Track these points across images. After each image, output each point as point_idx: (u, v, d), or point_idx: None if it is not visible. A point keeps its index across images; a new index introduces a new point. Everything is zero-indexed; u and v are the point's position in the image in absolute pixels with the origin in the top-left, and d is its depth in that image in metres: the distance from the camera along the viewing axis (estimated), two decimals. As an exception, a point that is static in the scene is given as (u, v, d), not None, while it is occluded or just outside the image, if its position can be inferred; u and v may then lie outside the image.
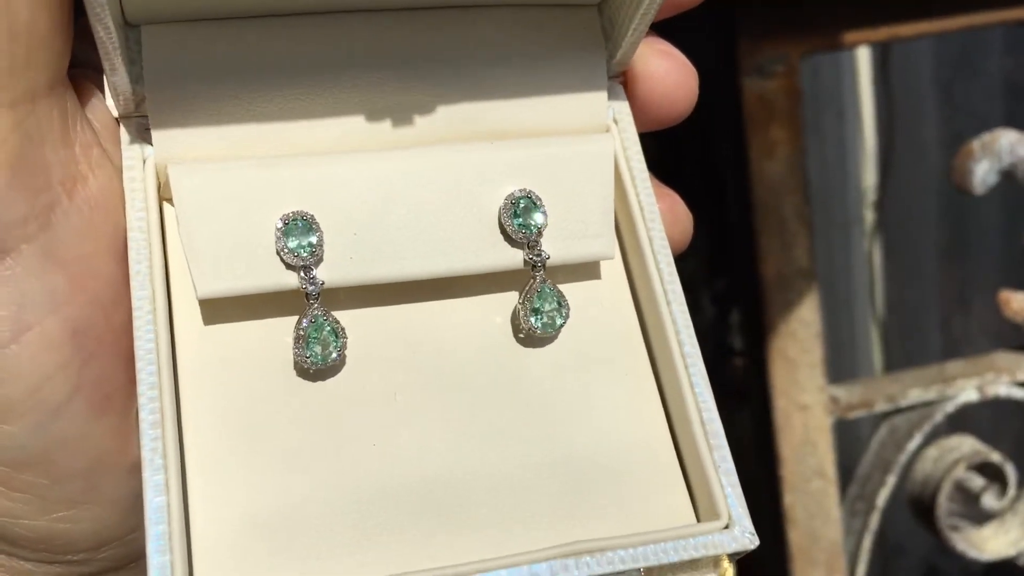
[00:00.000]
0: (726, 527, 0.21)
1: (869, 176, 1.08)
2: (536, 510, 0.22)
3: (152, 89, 0.21)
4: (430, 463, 0.22)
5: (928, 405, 0.64)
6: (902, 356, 1.10)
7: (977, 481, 0.66)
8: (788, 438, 0.62)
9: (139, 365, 0.20)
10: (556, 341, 0.23)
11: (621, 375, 0.24)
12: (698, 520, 0.23)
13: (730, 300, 0.75)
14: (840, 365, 1.01)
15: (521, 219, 0.23)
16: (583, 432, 0.23)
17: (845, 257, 1.09)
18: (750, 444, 0.67)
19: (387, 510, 0.21)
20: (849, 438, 0.77)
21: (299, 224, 0.21)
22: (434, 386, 0.22)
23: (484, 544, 0.21)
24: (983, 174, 0.62)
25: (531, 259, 0.23)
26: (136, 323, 0.20)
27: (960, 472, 0.65)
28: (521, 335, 0.23)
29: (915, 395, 0.64)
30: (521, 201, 0.23)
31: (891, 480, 0.65)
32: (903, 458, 0.64)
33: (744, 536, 0.21)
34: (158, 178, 0.22)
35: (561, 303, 0.23)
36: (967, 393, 0.64)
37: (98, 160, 0.21)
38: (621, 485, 0.22)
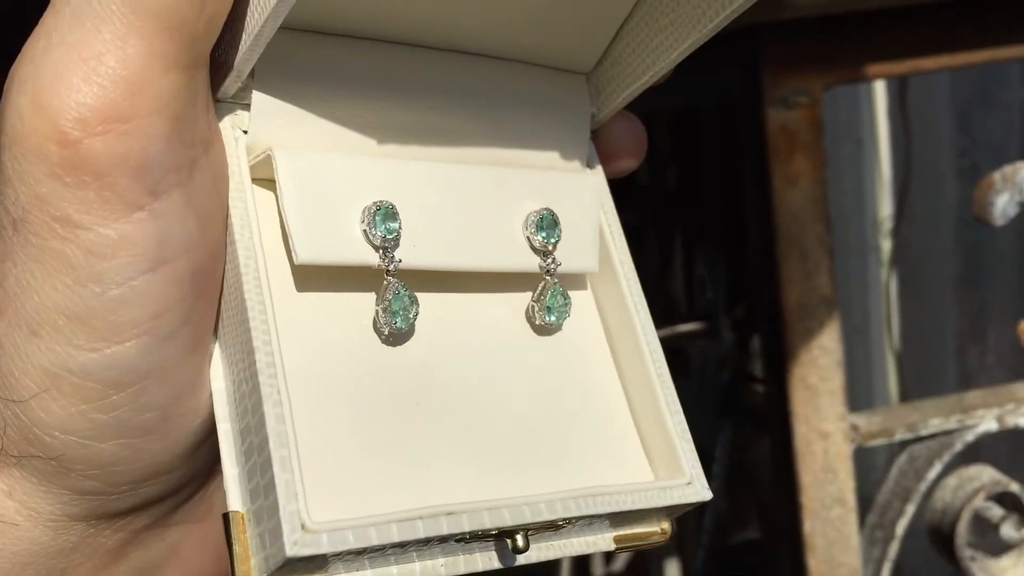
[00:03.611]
0: (688, 483, 0.26)
1: (886, 205, 1.08)
2: (538, 459, 0.26)
3: (260, 81, 0.24)
4: (462, 408, 0.26)
5: (948, 434, 0.65)
6: (918, 385, 1.10)
7: (996, 511, 0.66)
8: (808, 465, 0.62)
9: (251, 314, 0.23)
10: (555, 329, 0.29)
11: (594, 361, 0.29)
12: (655, 475, 0.28)
13: (750, 327, 0.76)
14: (856, 393, 1.01)
15: (545, 232, 0.28)
16: (566, 405, 0.28)
17: (861, 286, 1.10)
18: (770, 471, 0.67)
19: (432, 436, 0.25)
20: (865, 466, 0.77)
21: (385, 211, 0.25)
22: (467, 353, 0.27)
23: (500, 478, 0.25)
24: (1003, 205, 0.63)
25: (545, 265, 0.28)
26: (245, 276, 0.23)
27: (979, 502, 0.65)
28: (534, 324, 0.28)
29: (935, 424, 0.64)
30: (546, 218, 0.28)
31: (910, 509, 0.65)
32: (922, 487, 0.64)
33: (703, 490, 0.26)
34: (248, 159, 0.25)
35: (567, 301, 0.28)
36: (987, 423, 0.65)
37: (219, 130, 0.24)
38: (594, 447, 0.27)
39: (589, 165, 0.30)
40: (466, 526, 0.23)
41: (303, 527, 0.21)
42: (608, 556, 1.07)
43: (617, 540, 0.27)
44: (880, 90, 1.05)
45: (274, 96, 0.25)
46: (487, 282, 0.28)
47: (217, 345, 0.25)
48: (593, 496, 0.25)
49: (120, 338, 0.22)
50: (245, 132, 0.25)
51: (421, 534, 0.22)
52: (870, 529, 0.66)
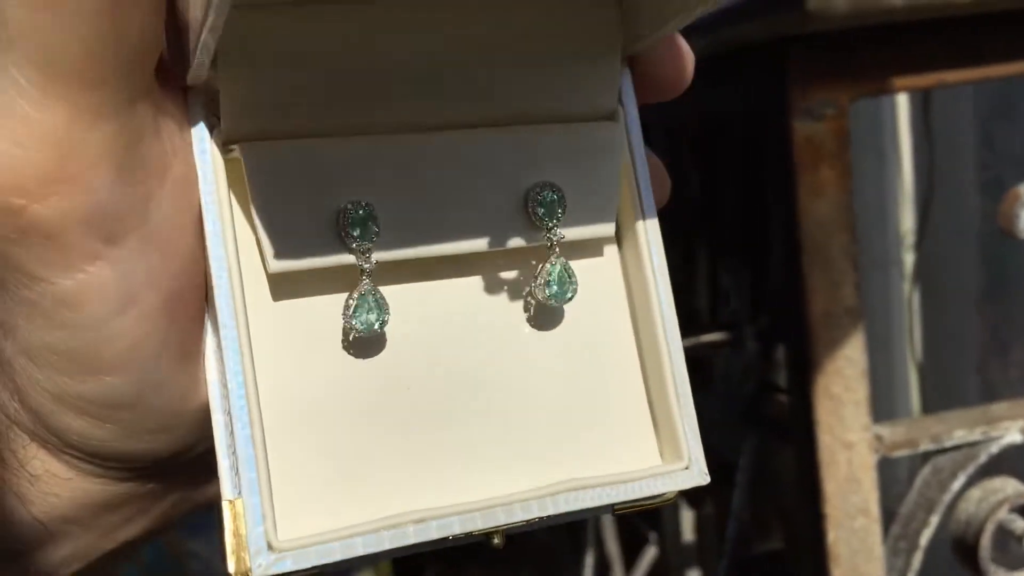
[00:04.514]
0: (686, 467, 0.25)
1: (908, 219, 1.08)
2: (532, 448, 0.26)
3: (224, 65, 0.23)
4: (453, 403, 0.25)
5: (972, 446, 0.65)
6: (940, 397, 1.10)
7: (1020, 523, 0.66)
8: (833, 475, 0.62)
9: (223, 331, 0.23)
10: (563, 308, 0.27)
11: (610, 336, 0.27)
12: (662, 457, 0.27)
13: (774, 337, 0.76)
14: (878, 405, 1.01)
15: (545, 209, 0.26)
16: (578, 381, 0.27)
17: (883, 298, 1.10)
18: (794, 481, 0.67)
19: (419, 436, 0.25)
20: (889, 477, 0.77)
21: (360, 212, 0.24)
22: (463, 342, 0.26)
23: (486, 475, 0.25)
24: (1029, 218, 0.63)
25: (548, 238, 0.26)
26: (218, 293, 0.23)
27: (1003, 514, 0.65)
28: (535, 303, 0.27)
29: (959, 436, 0.64)
30: (546, 193, 0.26)
31: (934, 520, 0.65)
32: (946, 498, 0.64)
33: (700, 475, 0.26)
34: (223, 151, 0.24)
35: (571, 278, 0.26)
36: (1011, 435, 0.65)
37: (179, 146, 0.23)
38: (603, 430, 0.26)
39: (621, 102, 0.27)
40: (435, 534, 0.23)
41: (269, 547, 0.22)
42: (629, 565, 1.07)
43: (616, 507, 0.26)
44: (903, 103, 1.06)
45: (242, 80, 0.23)
46: (490, 264, 0.27)
47: (209, 338, 0.25)
48: (574, 491, 0.24)
49: (105, 371, 0.23)
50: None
51: (387, 545, 0.22)
52: (894, 540, 0.66)
